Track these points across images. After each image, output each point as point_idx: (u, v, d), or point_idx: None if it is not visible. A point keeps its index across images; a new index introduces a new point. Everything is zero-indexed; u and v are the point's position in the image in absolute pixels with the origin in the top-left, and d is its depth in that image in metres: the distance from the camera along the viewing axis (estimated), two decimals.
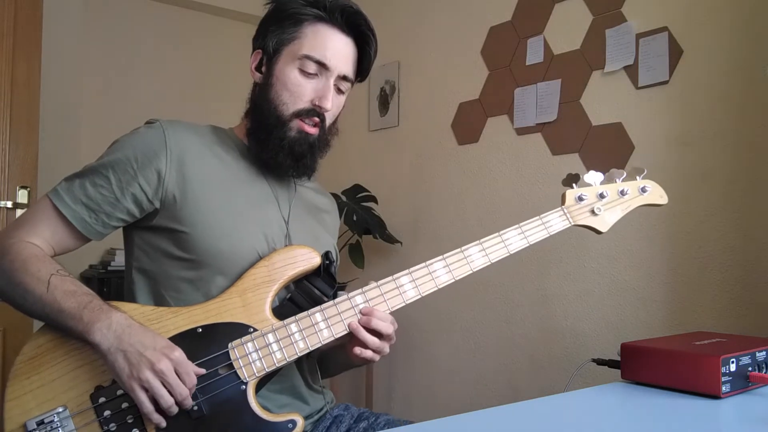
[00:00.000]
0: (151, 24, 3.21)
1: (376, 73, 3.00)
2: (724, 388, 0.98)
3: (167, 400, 0.91)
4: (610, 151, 2.08)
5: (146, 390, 0.91)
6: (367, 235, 2.75)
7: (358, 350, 1.03)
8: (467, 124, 2.58)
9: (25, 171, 2.17)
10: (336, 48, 1.11)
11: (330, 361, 1.23)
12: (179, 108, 3.13)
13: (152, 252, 1.07)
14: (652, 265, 1.98)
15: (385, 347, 1.06)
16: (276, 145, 1.10)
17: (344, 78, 1.13)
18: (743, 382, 1.02)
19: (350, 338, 1.05)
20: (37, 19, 2.22)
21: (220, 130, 1.18)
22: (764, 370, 1.06)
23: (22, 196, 2.15)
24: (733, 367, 1.00)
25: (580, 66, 2.18)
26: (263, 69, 1.14)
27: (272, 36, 1.11)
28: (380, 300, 1.04)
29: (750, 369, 1.03)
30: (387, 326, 1.03)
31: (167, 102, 3.17)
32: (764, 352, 1.07)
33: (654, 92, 1.99)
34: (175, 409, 0.92)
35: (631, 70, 2.04)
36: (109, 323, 0.93)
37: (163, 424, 0.92)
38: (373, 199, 2.84)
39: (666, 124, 1.96)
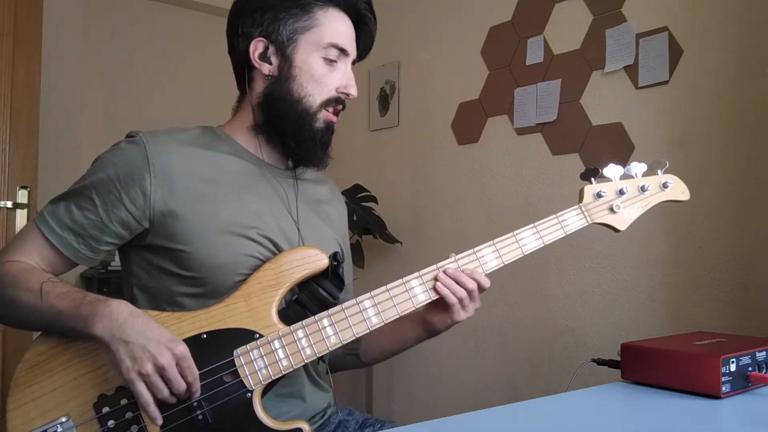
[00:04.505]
0: (151, 24, 3.21)
1: (376, 73, 3.00)
2: (724, 388, 0.98)
3: (164, 392, 0.90)
4: (610, 151, 2.08)
5: (145, 383, 0.90)
6: (367, 235, 2.75)
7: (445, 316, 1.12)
8: (467, 124, 2.58)
9: (25, 171, 2.17)
10: (349, 32, 1.12)
11: (381, 338, 1.20)
12: (179, 108, 3.14)
13: (151, 270, 1.04)
14: (652, 265, 1.98)
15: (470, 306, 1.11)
16: (310, 139, 1.09)
17: (353, 61, 1.14)
18: (743, 382, 1.02)
19: (425, 308, 1.10)
20: (37, 20, 2.22)
21: (209, 131, 1.13)
22: (764, 370, 1.06)
23: (22, 196, 2.14)
24: (733, 367, 1.00)
25: (580, 66, 2.18)
26: (272, 60, 1.09)
27: (283, 24, 1.07)
28: (390, 304, 1.02)
29: (750, 369, 1.03)
30: (472, 282, 1.07)
31: (168, 102, 3.17)
32: (764, 352, 1.07)
33: (654, 92, 1.99)
34: (171, 399, 0.91)
35: (631, 70, 2.03)
36: (109, 311, 0.91)
37: (160, 421, 0.91)
38: (373, 199, 2.84)
39: (666, 124, 1.96)
